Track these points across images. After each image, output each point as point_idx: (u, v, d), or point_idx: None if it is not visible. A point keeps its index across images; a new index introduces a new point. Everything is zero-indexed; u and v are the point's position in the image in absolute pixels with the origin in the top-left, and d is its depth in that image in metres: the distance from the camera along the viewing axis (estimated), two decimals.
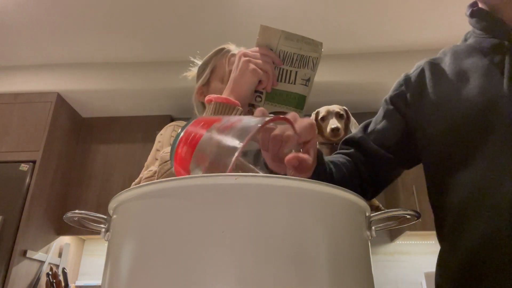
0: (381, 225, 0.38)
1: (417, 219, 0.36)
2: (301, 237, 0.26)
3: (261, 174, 0.29)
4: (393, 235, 2.73)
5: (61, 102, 2.73)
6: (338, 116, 1.34)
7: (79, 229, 2.82)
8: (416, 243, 2.75)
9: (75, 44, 2.59)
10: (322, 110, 1.35)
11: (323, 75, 2.62)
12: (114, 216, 0.34)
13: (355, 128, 1.36)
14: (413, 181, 2.60)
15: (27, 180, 2.37)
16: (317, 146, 1.33)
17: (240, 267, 0.24)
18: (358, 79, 2.61)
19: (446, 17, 2.36)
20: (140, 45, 2.60)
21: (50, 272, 2.41)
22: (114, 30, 2.46)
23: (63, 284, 2.49)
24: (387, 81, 2.61)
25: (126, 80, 2.71)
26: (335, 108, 1.35)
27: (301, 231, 0.26)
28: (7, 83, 2.75)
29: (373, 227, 0.34)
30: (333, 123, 1.29)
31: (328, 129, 1.28)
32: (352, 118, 1.40)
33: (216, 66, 0.90)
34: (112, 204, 0.34)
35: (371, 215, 0.34)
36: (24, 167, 2.41)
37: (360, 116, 2.87)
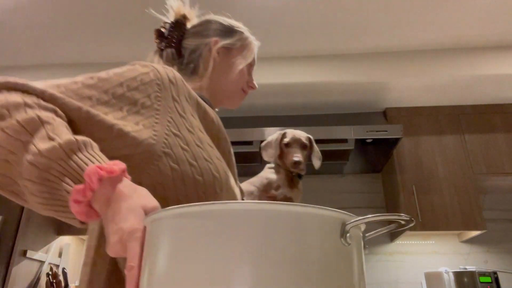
0: (372, 232, 0.42)
1: (411, 223, 0.40)
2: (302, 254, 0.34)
3: (264, 202, 0.35)
4: (393, 235, 2.73)
5: None
6: (302, 146, 1.33)
7: (79, 229, 2.82)
8: (416, 243, 2.75)
9: (75, 44, 2.59)
10: (288, 135, 1.34)
11: (323, 75, 2.62)
12: (149, 229, 0.39)
13: (318, 159, 1.39)
14: (413, 181, 2.60)
15: None
16: (276, 169, 1.38)
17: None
18: (358, 79, 2.61)
19: (446, 17, 2.36)
20: (140, 45, 2.60)
21: (50, 272, 2.41)
22: (113, 30, 2.46)
23: (63, 284, 2.49)
24: (387, 81, 2.61)
25: None
26: (301, 136, 1.34)
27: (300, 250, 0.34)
28: None
29: (348, 234, 0.36)
30: (297, 155, 1.27)
31: (291, 161, 1.27)
32: (315, 147, 1.39)
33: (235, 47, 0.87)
34: (147, 220, 0.40)
35: (348, 222, 0.36)
36: None
37: (360, 116, 2.90)
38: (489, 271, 2.28)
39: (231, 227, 0.34)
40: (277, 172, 1.32)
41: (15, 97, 0.47)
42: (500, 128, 2.72)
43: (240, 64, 0.86)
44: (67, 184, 0.43)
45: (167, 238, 0.36)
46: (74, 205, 0.42)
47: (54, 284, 2.40)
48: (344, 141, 2.51)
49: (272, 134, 2.49)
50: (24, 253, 2.27)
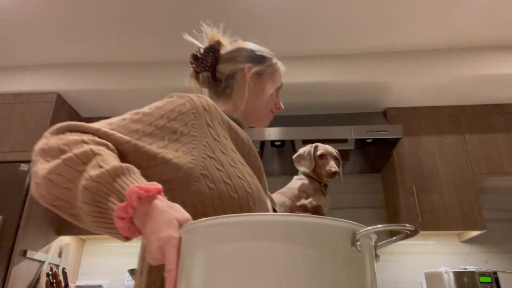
0: (383, 242, 0.47)
1: (417, 233, 0.44)
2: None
3: (283, 214, 0.39)
4: (393, 235, 2.73)
5: (61, 102, 2.73)
6: (335, 159, 1.43)
7: (79, 229, 2.82)
8: (416, 243, 2.75)
9: (75, 44, 2.59)
10: (321, 148, 1.44)
11: (323, 75, 2.62)
12: (185, 235, 0.44)
13: (341, 171, 1.50)
14: (413, 181, 2.60)
15: (27, 180, 2.38)
16: (306, 181, 1.45)
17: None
18: (358, 79, 2.61)
19: (446, 17, 2.36)
20: (140, 45, 2.60)
21: (50, 272, 2.41)
22: (114, 30, 2.46)
23: (63, 284, 2.49)
24: (387, 81, 2.61)
25: (126, 80, 2.71)
26: (333, 150, 1.45)
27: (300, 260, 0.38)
28: (7, 83, 2.75)
29: (358, 242, 0.40)
30: (334, 166, 1.38)
31: (328, 171, 1.38)
32: (341, 160, 1.50)
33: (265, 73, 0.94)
34: (183, 230, 0.45)
35: (358, 231, 0.40)
36: (24, 167, 2.41)
37: (360, 116, 2.90)
38: (489, 271, 2.28)
39: (254, 236, 0.38)
40: (306, 182, 1.40)
41: (75, 136, 0.58)
42: (500, 128, 2.72)
43: (271, 88, 0.94)
44: (112, 203, 0.51)
45: (201, 245, 0.41)
46: (118, 221, 0.49)
47: (54, 284, 2.40)
48: (344, 141, 2.51)
49: (271, 134, 2.50)
50: (24, 253, 2.27)
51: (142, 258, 0.73)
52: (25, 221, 2.29)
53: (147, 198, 0.50)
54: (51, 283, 2.39)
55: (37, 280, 2.38)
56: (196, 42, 0.95)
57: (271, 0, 2.23)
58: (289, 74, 2.64)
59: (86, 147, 0.56)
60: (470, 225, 2.44)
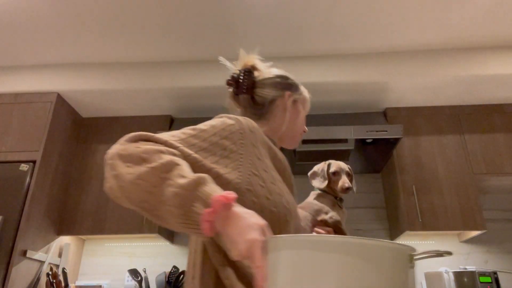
0: (423, 255, 0.58)
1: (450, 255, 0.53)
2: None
3: (351, 237, 0.49)
4: (393, 235, 2.73)
5: (61, 102, 2.73)
6: (348, 174, 1.54)
7: (79, 229, 2.81)
8: (416, 243, 2.75)
9: (75, 44, 2.59)
10: (334, 165, 1.54)
11: (323, 75, 2.62)
12: (273, 244, 0.53)
13: (355, 184, 1.58)
14: (413, 181, 2.60)
15: (27, 180, 2.38)
16: (323, 195, 1.51)
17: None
18: (358, 79, 2.61)
19: (446, 17, 2.36)
20: (140, 45, 2.60)
21: (50, 272, 2.41)
22: (114, 30, 2.46)
23: (63, 284, 2.49)
24: (387, 81, 2.61)
25: (126, 80, 2.71)
26: (345, 166, 1.56)
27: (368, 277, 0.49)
28: (7, 83, 2.75)
29: (413, 260, 0.51)
30: (347, 182, 1.49)
31: (342, 186, 1.49)
32: (353, 175, 1.59)
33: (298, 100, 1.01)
34: (275, 238, 0.54)
35: (413, 253, 0.52)
36: (24, 167, 2.41)
37: (360, 116, 2.89)
38: (489, 271, 2.28)
39: (331, 254, 0.48)
40: (323, 197, 1.50)
41: (151, 146, 0.67)
42: (500, 128, 2.72)
43: (303, 114, 1.04)
44: (197, 207, 0.59)
45: (286, 254, 0.51)
46: (204, 223, 0.57)
47: (54, 284, 2.40)
48: (344, 141, 2.51)
49: None
50: (24, 253, 2.27)
51: (193, 264, 0.78)
52: (25, 221, 2.29)
53: (228, 205, 0.58)
54: (51, 283, 2.39)
55: (37, 280, 2.38)
56: (229, 64, 1.01)
57: (271, 0, 2.23)
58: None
59: (167, 157, 0.64)
60: (470, 225, 2.44)
